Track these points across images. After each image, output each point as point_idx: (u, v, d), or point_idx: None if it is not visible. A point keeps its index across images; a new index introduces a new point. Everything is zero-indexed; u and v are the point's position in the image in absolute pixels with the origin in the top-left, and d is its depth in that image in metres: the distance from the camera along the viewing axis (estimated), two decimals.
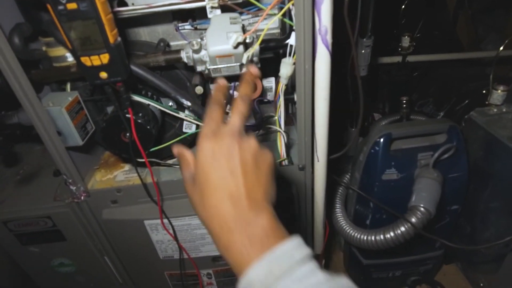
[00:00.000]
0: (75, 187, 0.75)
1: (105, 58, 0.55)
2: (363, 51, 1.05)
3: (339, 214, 1.05)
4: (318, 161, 0.76)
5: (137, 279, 0.95)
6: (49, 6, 0.50)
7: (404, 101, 1.14)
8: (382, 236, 0.88)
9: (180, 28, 0.75)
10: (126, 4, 0.64)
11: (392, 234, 0.86)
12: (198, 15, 0.76)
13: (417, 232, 0.83)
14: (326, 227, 0.92)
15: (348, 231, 0.99)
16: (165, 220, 0.76)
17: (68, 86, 0.73)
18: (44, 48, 0.68)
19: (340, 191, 1.10)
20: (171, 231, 0.77)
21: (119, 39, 0.55)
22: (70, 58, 0.68)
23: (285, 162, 0.76)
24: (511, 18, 1.77)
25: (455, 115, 1.37)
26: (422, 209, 0.82)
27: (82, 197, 0.76)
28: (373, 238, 0.90)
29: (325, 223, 0.91)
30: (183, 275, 0.88)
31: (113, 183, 0.80)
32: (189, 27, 0.76)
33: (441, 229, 1.04)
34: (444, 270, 1.31)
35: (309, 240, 0.91)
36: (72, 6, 0.49)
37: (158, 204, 0.73)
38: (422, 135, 0.93)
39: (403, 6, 1.55)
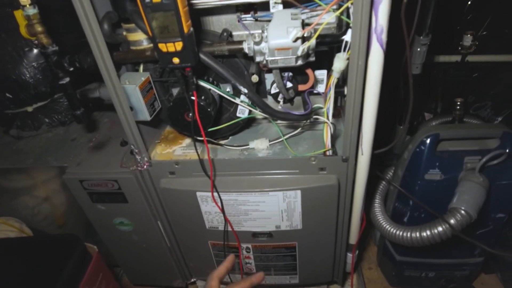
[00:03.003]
0: (140, 157, 0.86)
1: (179, 45, 0.62)
2: (418, 49, 1.04)
3: (377, 208, 1.07)
4: (362, 154, 0.79)
5: (183, 245, 1.06)
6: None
7: (459, 103, 1.11)
8: (418, 234, 0.89)
9: (242, 19, 0.82)
10: None
11: (428, 232, 0.87)
12: (259, 7, 0.81)
13: (454, 234, 0.84)
14: (363, 219, 0.95)
15: (384, 225, 1.01)
16: (215, 194, 0.84)
17: (141, 67, 0.83)
18: (124, 33, 0.78)
19: (381, 186, 1.12)
20: (219, 204, 0.85)
21: (191, 29, 0.63)
22: (145, 43, 0.78)
23: (329, 152, 0.80)
24: None
25: None
26: (462, 211, 0.82)
27: (145, 166, 0.87)
28: (409, 234, 0.92)
29: (363, 216, 0.94)
30: (225, 246, 0.97)
31: (172, 156, 0.90)
32: (251, 18, 0.82)
33: (483, 236, 1.02)
34: (482, 279, 1.27)
35: (344, 230, 0.95)
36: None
37: (211, 178, 0.81)
38: (472, 139, 0.92)
39: (469, 2, 1.47)
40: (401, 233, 0.95)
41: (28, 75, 1.11)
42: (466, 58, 1.42)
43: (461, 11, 1.56)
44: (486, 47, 1.47)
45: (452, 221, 0.82)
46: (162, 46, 0.63)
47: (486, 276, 1.28)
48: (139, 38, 0.77)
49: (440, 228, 0.85)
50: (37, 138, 1.20)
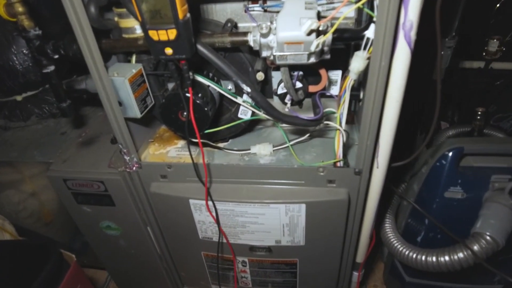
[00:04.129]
0: (128, 157, 0.78)
1: (172, 33, 0.54)
2: (443, 52, 0.95)
3: (388, 225, 0.98)
4: (377, 167, 0.70)
5: (175, 254, 0.98)
6: None
7: (480, 112, 1.02)
8: (434, 258, 0.80)
9: (249, 9, 0.73)
10: None
11: (447, 258, 0.78)
12: None
13: (477, 262, 0.74)
14: (372, 237, 0.86)
15: (395, 245, 0.92)
16: (210, 202, 0.75)
17: (134, 58, 0.74)
18: (116, 19, 0.70)
19: (393, 202, 1.03)
20: (214, 214, 0.77)
21: (188, 15, 0.54)
22: (138, 31, 0.69)
23: (340, 164, 0.71)
24: None
25: None
26: (488, 237, 0.73)
27: (134, 168, 0.79)
28: (423, 258, 0.83)
29: (373, 233, 0.85)
30: (219, 258, 0.89)
31: (165, 158, 0.81)
32: (259, 8, 0.73)
33: (506, 262, 0.92)
34: None
35: (352, 248, 0.86)
36: None
37: (205, 185, 0.73)
38: (501, 155, 0.82)
39: (497, 5, 1.36)
40: (414, 256, 0.86)
41: (16, 62, 1.03)
42: (490, 65, 1.32)
43: (487, 16, 1.45)
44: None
45: (475, 247, 0.73)
46: (153, 34, 0.54)
47: None
48: (132, 25, 0.68)
49: (461, 255, 0.76)
50: (25, 129, 1.12)
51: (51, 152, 0.98)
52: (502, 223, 0.73)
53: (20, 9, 0.65)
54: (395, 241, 0.92)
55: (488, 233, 0.73)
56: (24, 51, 1.04)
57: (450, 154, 0.82)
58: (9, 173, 1.06)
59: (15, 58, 1.03)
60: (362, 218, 0.80)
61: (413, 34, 0.54)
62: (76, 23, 0.60)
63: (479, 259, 0.73)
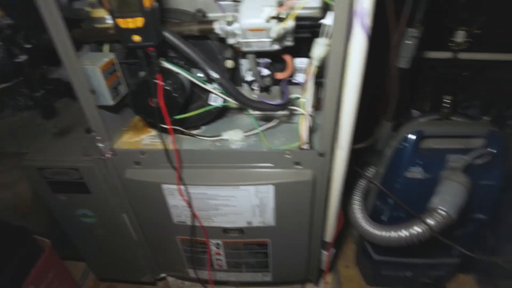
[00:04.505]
0: (102, 145, 0.79)
1: (139, 21, 0.56)
2: (408, 42, 0.99)
3: (356, 206, 1.03)
4: (340, 149, 0.74)
5: (151, 239, 1.00)
6: None
7: (447, 101, 1.08)
8: (395, 234, 0.86)
9: None
10: None
11: (406, 233, 0.84)
12: None
13: (433, 235, 0.81)
14: (341, 218, 0.91)
15: (361, 224, 0.97)
16: (182, 187, 0.78)
17: (107, 47, 0.76)
18: (87, 9, 0.71)
19: (362, 184, 1.08)
20: (186, 198, 0.80)
21: (155, 4, 0.56)
22: (109, 20, 0.70)
23: (306, 146, 0.75)
24: None
25: (503, 121, 1.28)
26: (442, 212, 0.79)
27: (108, 155, 0.80)
28: (385, 234, 0.89)
29: (340, 214, 0.90)
30: (193, 242, 0.92)
31: (139, 146, 0.83)
32: None
33: (461, 236, 1.00)
34: (459, 279, 1.26)
35: (319, 227, 0.91)
36: None
37: (177, 170, 0.75)
38: (457, 137, 0.88)
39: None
40: (378, 232, 0.91)
41: None
42: (458, 55, 1.39)
43: (455, 9, 1.52)
44: (478, 46, 1.43)
45: (430, 221, 0.79)
46: (121, 22, 0.56)
47: (463, 276, 1.26)
48: (103, 15, 0.70)
49: (417, 229, 0.82)
50: None
51: (27, 143, 0.98)
52: (454, 198, 0.79)
53: None
54: (361, 220, 0.98)
55: (442, 208, 0.79)
56: None
57: (411, 136, 0.87)
58: None
59: None
60: (328, 198, 0.85)
61: (368, 21, 0.58)
62: (47, 12, 0.61)
63: (434, 232, 0.79)
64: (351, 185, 1.07)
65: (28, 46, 0.73)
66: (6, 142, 1.01)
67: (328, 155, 0.75)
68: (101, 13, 0.71)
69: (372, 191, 1.08)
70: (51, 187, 0.88)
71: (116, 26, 0.57)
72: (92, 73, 0.70)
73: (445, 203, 0.79)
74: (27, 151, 0.91)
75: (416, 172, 0.90)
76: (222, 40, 0.71)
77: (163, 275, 1.15)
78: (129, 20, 0.56)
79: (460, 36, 1.32)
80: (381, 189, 0.98)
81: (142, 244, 1.02)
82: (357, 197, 1.05)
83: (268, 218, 0.84)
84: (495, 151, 0.83)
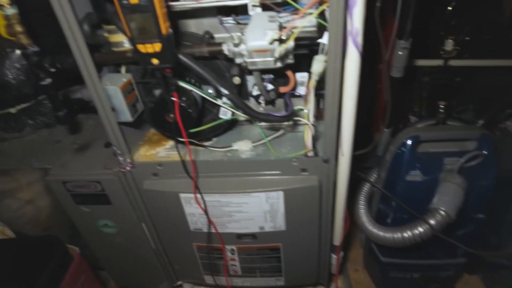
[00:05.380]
0: (122, 158, 0.86)
1: (157, 46, 0.63)
2: (400, 53, 1.06)
3: (361, 210, 1.08)
4: (342, 155, 0.80)
5: (168, 247, 1.06)
6: (115, 0, 0.58)
7: (442, 106, 1.13)
8: (400, 235, 0.90)
9: (223, 22, 0.82)
10: None
11: (409, 233, 0.88)
12: (240, 11, 0.82)
13: (434, 234, 0.85)
14: (347, 220, 0.95)
15: (367, 226, 1.02)
16: (198, 195, 0.84)
17: (123, 69, 0.83)
18: (105, 34, 0.79)
19: (365, 188, 1.13)
20: (202, 205, 0.86)
21: (170, 30, 0.63)
22: (126, 44, 0.78)
23: (311, 154, 0.81)
24: None
25: (496, 124, 1.33)
26: (442, 212, 0.83)
27: (128, 168, 0.87)
28: (391, 235, 0.93)
29: (347, 217, 0.95)
30: (209, 248, 0.97)
31: (155, 158, 0.90)
32: (232, 21, 0.83)
33: (465, 237, 1.04)
34: (466, 279, 1.29)
35: (328, 231, 0.96)
36: (134, 1, 0.58)
37: (193, 179, 0.81)
38: (451, 140, 0.94)
39: (449, 8, 1.50)
40: (383, 234, 0.96)
41: (10, 76, 1.10)
42: (448, 63, 1.45)
43: (444, 18, 1.59)
44: (467, 53, 1.50)
45: (432, 221, 0.84)
46: (141, 47, 0.63)
47: (469, 276, 1.29)
48: (120, 40, 0.78)
49: (420, 229, 0.86)
50: (20, 140, 1.19)
51: (48, 159, 1.05)
52: (453, 198, 0.84)
53: (18, 28, 0.73)
54: (367, 223, 1.02)
55: (442, 208, 0.84)
56: (17, 65, 1.11)
57: (408, 141, 0.93)
58: (8, 181, 1.12)
59: (8, 73, 1.10)
60: (335, 202, 0.90)
61: (359, 40, 0.65)
62: (73, 40, 0.69)
63: (435, 231, 0.84)
64: (356, 189, 1.12)
65: (53, 70, 0.81)
66: (29, 159, 1.08)
67: (332, 161, 0.80)
68: (118, 38, 0.78)
69: (376, 195, 1.13)
70: (74, 200, 0.95)
71: (136, 51, 0.64)
72: (113, 93, 0.77)
73: (444, 204, 0.84)
74: (51, 166, 0.98)
75: (415, 175, 0.95)
76: (229, 59, 0.78)
77: (179, 282, 1.20)
78: (148, 45, 0.63)
79: (449, 44, 1.39)
80: (383, 193, 1.03)
81: (160, 252, 1.07)
82: (362, 201, 1.10)
83: (279, 222, 0.89)
84: (487, 153, 0.88)
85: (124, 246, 1.06)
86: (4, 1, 0.66)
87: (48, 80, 0.81)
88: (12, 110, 1.18)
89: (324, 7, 0.63)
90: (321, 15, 0.67)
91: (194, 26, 0.86)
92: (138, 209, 0.96)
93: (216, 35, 0.84)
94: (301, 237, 0.95)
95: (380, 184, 1.05)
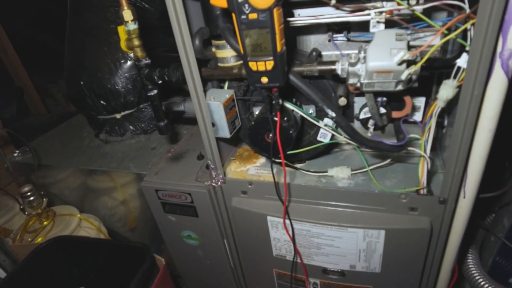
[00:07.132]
0: (215, 173, 0.85)
1: (270, 64, 0.60)
2: None
3: (471, 260, 0.91)
4: (464, 197, 0.67)
5: (246, 268, 1.02)
6: (233, 15, 0.57)
7: None
8: None
9: (334, 38, 0.77)
10: (293, 15, 0.69)
11: None
12: (353, 27, 0.76)
13: None
14: (456, 272, 0.81)
15: (481, 283, 0.85)
16: (287, 221, 0.79)
17: (226, 84, 0.82)
18: (213, 50, 0.79)
19: (478, 236, 0.96)
20: (290, 232, 0.80)
21: (284, 48, 0.60)
22: (232, 60, 0.77)
23: (424, 191, 0.70)
24: None
25: None
26: None
27: (219, 182, 0.86)
28: None
29: (455, 268, 0.81)
30: (291, 278, 0.90)
31: (245, 175, 0.87)
32: (343, 38, 0.77)
33: None
34: None
35: (431, 281, 0.82)
36: (253, 16, 0.55)
37: (284, 204, 0.76)
38: None
39: None
40: None
41: (120, 85, 1.20)
42: None
43: None
44: None
45: None
46: (253, 65, 0.61)
47: None
48: (227, 56, 0.77)
49: None
50: (121, 143, 1.28)
51: (143, 164, 1.10)
52: None
53: (136, 42, 0.76)
54: (481, 279, 0.85)
55: None
56: (127, 75, 1.20)
57: None
58: (106, 181, 1.21)
59: (119, 82, 1.20)
60: (444, 250, 0.77)
61: (511, 63, 0.53)
62: (184, 54, 0.70)
63: None
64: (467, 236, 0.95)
65: (160, 82, 0.84)
66: (127, 162, 1.15)
67: (450, 202, 0.68)
68: (225, 53, 0.77)
69: (491, 245, 0.95)
70: (163, 207, 0.97)
71: (247, 68, 0.62)
72: (216, 108, 0.76)
73: None
74: (146, 172, 1.02)
75: None
76: (335, 78, 0.72)
77: None
78: (260, 63, 0.60)
79: None
80: (505, 244, 0.86)
81: (237, 271, 1.04)
82: (473, 250, 0.93)
83: (374, 264, 0.79)
84: None
85: (204, 259, 1.05)
86: (128, 18, 0.70)
87: (154, 91, 0.84)
88: (118, 116, 1.28)
89: (467, 25, 0.53)
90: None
91: (300, 43, 0.82)
92: (222, 225, 0.94)
93: (323, 53, 0.79)
94: (398, 283, 0.83)
95: (502, 232, 0.87)
